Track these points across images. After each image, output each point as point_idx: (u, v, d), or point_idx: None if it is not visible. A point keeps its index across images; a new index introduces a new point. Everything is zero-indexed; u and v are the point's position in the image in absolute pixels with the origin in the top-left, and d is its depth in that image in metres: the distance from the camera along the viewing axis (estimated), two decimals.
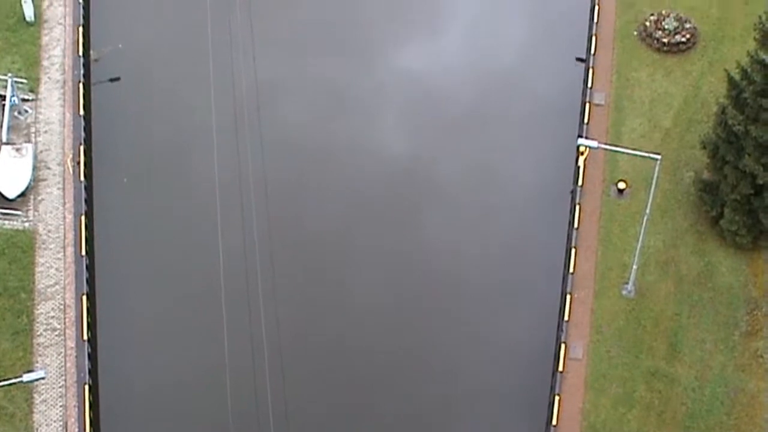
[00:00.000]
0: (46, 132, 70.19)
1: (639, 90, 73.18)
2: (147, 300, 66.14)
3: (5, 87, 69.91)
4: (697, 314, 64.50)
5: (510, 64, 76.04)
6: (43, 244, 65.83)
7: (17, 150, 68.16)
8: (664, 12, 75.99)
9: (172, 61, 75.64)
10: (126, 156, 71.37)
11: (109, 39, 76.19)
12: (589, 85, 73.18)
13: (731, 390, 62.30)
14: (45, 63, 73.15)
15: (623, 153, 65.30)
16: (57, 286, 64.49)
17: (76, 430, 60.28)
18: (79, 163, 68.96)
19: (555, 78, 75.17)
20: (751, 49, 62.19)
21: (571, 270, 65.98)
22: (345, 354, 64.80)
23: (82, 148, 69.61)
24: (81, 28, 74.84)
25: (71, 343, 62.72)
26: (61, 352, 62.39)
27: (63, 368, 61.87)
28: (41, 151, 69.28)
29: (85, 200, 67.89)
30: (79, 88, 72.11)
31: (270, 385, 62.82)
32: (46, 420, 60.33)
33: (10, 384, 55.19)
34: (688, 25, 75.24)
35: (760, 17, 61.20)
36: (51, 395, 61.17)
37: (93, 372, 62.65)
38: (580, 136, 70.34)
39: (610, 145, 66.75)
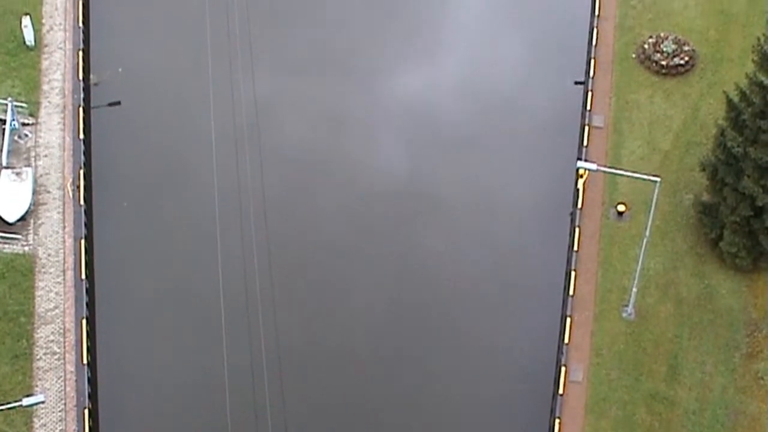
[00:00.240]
0: (46, 156, 70.28)
1: (638, 112, 73.28)
2: (147, 324, 66.07)
3: (5, 111, 70.02)
4: (697, 336, 64.43)
5: (509, 87, 76.13)
6: (43, 268, 65.83)
7: (17, 174, 68.23)
8: (662, 34, 76.16)
9: (171, 85, 75.76)
10: (126, 180, 71.39)
11: (109, 63, 76.32)
12: (588, 107, 73.29)
13: (732, 412, 62.16)
14: (45, 87, 73.31)
15: (623, 175, 65.31)
16: (57, 310, 64.45)
17: None
18: (78, 187, 69.01)
19: (554, 101, 75.28)
20: (750, 71, 62.34)
21: (570, 292, 65.95)
22: (344, 369, 64.69)
23: (81, 172, 69.68)
24: (81, 53, 75.02)
25: (71, 367, 62.65)
26: (60, 376, 62.30)
27: (63, 392, 61.77)
28: (41, 175, 69.34)
29: (85, 224, 67.92)
30: (79, 112, 72.23)
31: (270, 408, 62.71)
32: None
33: (10, 408, 55.09)
34: (686, 48, 75.41)
35: (758, 39, 61.34)
36: (50, 419, 61.03)
37: (93, 396, 62.54)
38: (579, 158, 70.38)
39: (609, 167, 66.84)
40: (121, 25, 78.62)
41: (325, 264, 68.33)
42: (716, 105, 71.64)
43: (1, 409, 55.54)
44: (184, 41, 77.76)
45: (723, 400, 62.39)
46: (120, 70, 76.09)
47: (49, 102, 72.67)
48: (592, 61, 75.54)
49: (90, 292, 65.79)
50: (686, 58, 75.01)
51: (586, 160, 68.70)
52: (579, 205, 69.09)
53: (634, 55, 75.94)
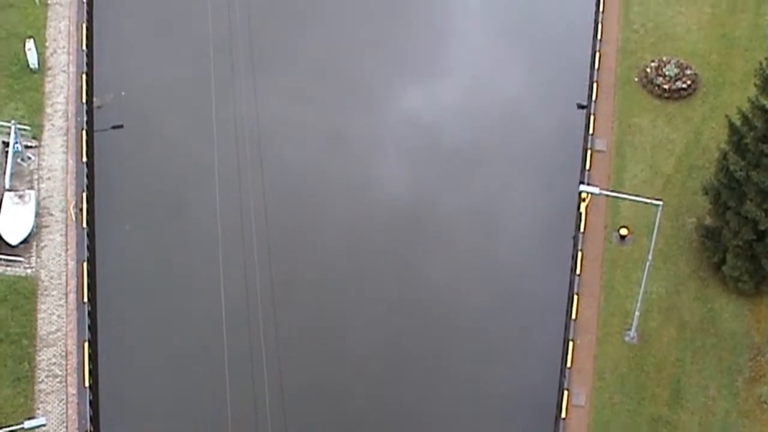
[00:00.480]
0: (48, 179, 70.36)
1: (640, 136, 73.33)
2: (148, 347, 65.99)
3: (9, 134, 70.15)
4: (700, 360, 64.28)
5: (512, 110, 76.25)
6: (45, 290, 65.82)
7: (20, 197, 68.29)
8: (664, 58, 76.29)
9: (174, 108, 75.91)
10: (128, 203, 71.46)
11: (112, 86, 76.50)
12: (591, 131, 73.36)
13: None
14: (48, 110, 73.45)
15: (625, 199, 65.31)
16: (59, 333, 64.39)
17: None
18: (81, 209, 69.07)
19: (557, 124, 75.37)
20: (752, 94, 62.39)
21: (573, 316, 65.86)
22: (345, 399, 64.55)
23: (84, 194, 69.77)
24: (84, 76, 75.22)
25: (73, 390, 62.54)
26: (62, 399, 62.19)
27: (64, 415, 61.64)
28: (44, 198, 69.41)
29: (87, 247, 67.93)
30: (82, 135, 72.36)
31: None
32: None
33: (11, 431, 54.95)
34: (688, 72, 75.52)
35: (760, 63, 61.39)
36: None
37: (94, 419, 62.41)
38: (581, 182, 70.40)
39: (611, 191, 66.88)
40: (124, 48, 78.86)
41: (328, 286, 68.32)
42: (718, 129, 71.68)
43: None
44: (187, 64, 77.96)
45: (726, 424, 62.19)
46: (123, 93, 76.24)
47: (52, 125, 72.80)
48: (595, 85, 75.67)
49: (92, 314, 65.75)
50: (688, 82, 75.13)
51: (588, 184, 68.69)
52: (581, 229, 69.06)
53: (636, 79, 76.06)
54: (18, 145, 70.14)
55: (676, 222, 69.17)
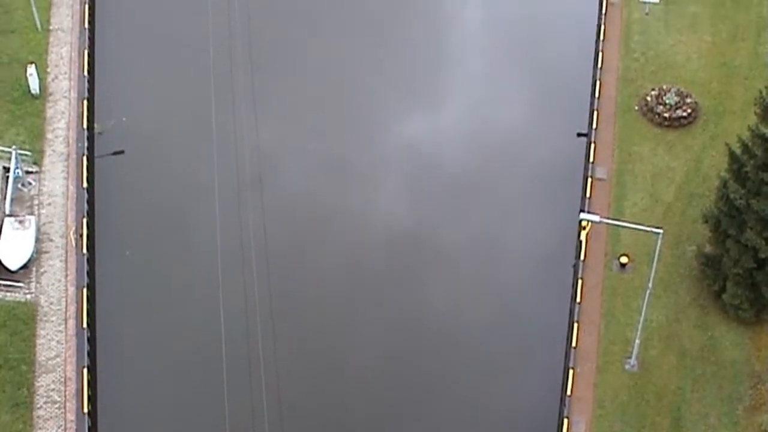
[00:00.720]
0: (49, 204, 70.37)
1: (641, 164, 73.41)
2: (148, 373, 65.83)
3: (9, 159, 70.23)
4: (700, 388, 64.14)
5: (512, 138, 76.36)
6: (45, 316, 65.73)
7: (20, 222, 68.29)
8: (664, 87, 76.46)
9: (175, 134, 76.05)
10: (128, 229, 71.45)
11: (114, 112, 76.62)
12: (591, 159, 73.45)
13: None
14: (49, 136, 73.56)
15: (625, 227, 65.26)
16: (58, 359, 64.26)
17: None
18: (81, 235, 69.06)
19: (557, 152, 75.45)
20: (752, 123, 62.49)
21: (573, 344, 65.75)
22: (344, 417, 64.45)
23: (84, 220, 69.76)
24: (86, 102, 75.36)
25: (71, 416, 62.35)
26: (61, 425, 61.99)
27: None
28: (44, 224, 69.41)
29: (87, 273, 67.88)
30: (82, 161, 72.43)
31: None
32: None
33: None
34: (689, 100, 75.67)
35: (760, 92, 61.49)
36: None
37: None
38: (582, 210, 70.38)
39: (612, 219, 66.91)
40: (125, 74, 79.06)
41: (327, 313, 68.20)
42: (718, 157, 71.76)
43: None
44: (188, 91, 78.12)
45: None
46: (124, 119, 76.36)
47: (53, 150, 72.89)
48: (595, 113, 75.82)
49: (91, 341, 65.63)
50: (688, 111, 75.26)
51: (588, 212, 68.59)
52: (582, 257, 69.04)
53: (636, 107, 76.20)
54: (19, 171, 70.21)
55: (676, 250, 69.16)
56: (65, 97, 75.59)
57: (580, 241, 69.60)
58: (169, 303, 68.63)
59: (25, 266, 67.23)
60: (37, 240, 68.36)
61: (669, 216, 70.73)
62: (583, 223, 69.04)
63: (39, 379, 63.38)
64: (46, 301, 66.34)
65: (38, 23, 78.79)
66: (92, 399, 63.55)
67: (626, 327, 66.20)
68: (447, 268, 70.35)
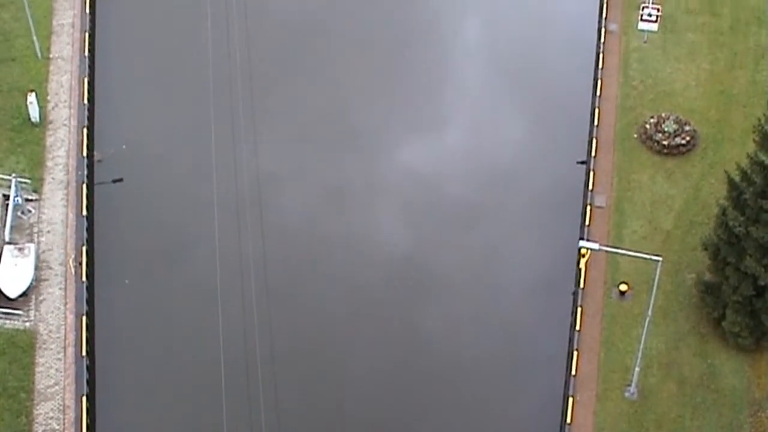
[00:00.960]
0: (48, 232, 70.39)
1: (640, 192, 73.47)
2: (147, 401, 65.73)
3: (9, 187, 70.29)
4: (700, 416, 64.00)
5: (511, 166, 76.41)
6: (44, 344, 65.65)
7: (20, 249, 68.31)
8: (663, 115, 76.59)
9: (174, 162, 76.09)
10: (128, 257, 71.43)
11: (113, 140, 76.71)
12: (590, 187, 73.52)
13: None
14: (49, 163, 73.64)
15: (624, 255, 65.23)
16: (57, 387, 64.14)
17: None
18: (80, 263, 69.05)
19: (556, 180, 75.48)
20: (751, 150, 62.55)
21: (573, 372, 65.66)
22: None
23: (84, 248, 69.76)
24: (85, 130, 75.46)
25: None
26: None
27: None
28: (43, 251, 69.41)
29: (87, 301, 67.83)
30: (82, 188, 72.48)
31: None
32: None
33: None
34: (687, 128, 75.80)
35: (759, 119, 61.62)
36: None
37: None
38: (581, 238, 70.42)
39: (611, 247, 66.81)
40: (125, 103, 79.16)
41: (327, 339, 68.17)
42: (718, 185, 71.82)
43: None
44: (188, 119, 78.22)
45: None
46: (124, 147, 76.45)
47: (52, 178, 72.96)
48: (594, 141, 75.92)
49: (90, 369, 65.53)
50: (687, 138, 75.38)
51: (588, 240, 68.71)
52: (581, 285, 69.02)
53: (635, 135, 76.33)
54: (18, 198, 70.28)
55: (675, 278, 69.14)
56: (65, 125, 75.72)
57: (580, 269, 69.59)
58: (168, 331, 68.55)
59: (24, 294, 67.19)
60: (37, 268, 68.35)
61: (668, 244, 70.74)
62: (583, 251, 69.07)
63: (38, 407, 63.25)
64: (45, 329, 66.27)
65: (38, 51, 79.01)
66: (91, 427, 63.42)
67: (626, 355, 66.14)
68: (446, 295, 70.30)
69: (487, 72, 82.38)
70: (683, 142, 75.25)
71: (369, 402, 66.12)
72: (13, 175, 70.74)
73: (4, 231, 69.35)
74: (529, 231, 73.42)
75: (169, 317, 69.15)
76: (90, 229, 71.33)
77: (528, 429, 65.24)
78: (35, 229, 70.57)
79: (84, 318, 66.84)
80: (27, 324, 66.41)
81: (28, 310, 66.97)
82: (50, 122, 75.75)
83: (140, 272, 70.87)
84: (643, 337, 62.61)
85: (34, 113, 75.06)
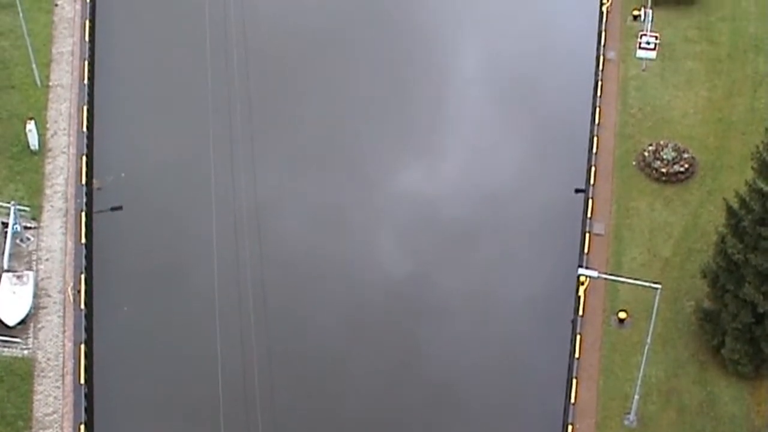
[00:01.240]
0: (47, 260, 70.35)
1: (638, 220, 73.49)
2: (145, 430, 65.55)
3: (8, 215, 70.29)
4: None
5: (510, 194, 76.43)
6: (42, 372, 65.52)
7: (18, 277, 68.26)
8: (662, 142, 76.69)
9: (173, 190, 76.13)
10: (126, 285, 71.38)
11: (112, 168, 76.74)
12: (589, 215, 73.55)
13: None
14: (48, 191, 73.66)
15: (623, 282, 65.23)
16: (55, 415, 63.99)
17: None
18: (79, 291, 68.99)
19: (555, 208, 75.52)
20: (749, 178, 62.64)
21: (572, 400, 65.54)
22: None
23: (83, 276, 69.70)
24: (84, 158, 75.50)
25: None
26: None
27: None
28: (42, 279, 69.35)
29: (85, 329, 67.75)
30: (81, 216, 72.47)
31: None
32: None
33: None
34: (686, 155, 75.89)
35: (757, 147, 61.73)
36: None
37: None
38: (580, 265, 70.38)
39: (610, 274, 66.76)
40: (124, 131, 79.23)
41: (325, 365, 68.07)
42: (716, 212, 71.84)
43: None
44: (187, 146, 78.32)
45: None
46: (123, 175, 76.49)
47: (51, 206, 72.97)
48: (593, 169, 75.99)
49: (89, 397, 65.42)
50: (686, 166, 75.46)
51: (587, 267, 68.65)
52: (580, 312, 68.97)
53: (634, 163, 76.41)
54: (17, 226, 70.28)
55: (674, 305, 69.09)
56: (64, 152, 75.78)
57: (579, 297, 69.57)
58: (166, 359, 68.44)
59: (22, 322, 67.12)
60: (35, 295, 68.29)
61: (667, 271, 70.71)
62: (582, 279, 69.07)
63: None
64: (43, 356, 66.17)
65: (38, 79, 79.16)
66: None
67: (625, 382, 66.02)
68: (445, 323, 70.21)
69: (485, 98, 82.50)
70: (682, 169, 75.32)
71: (368, 426, 65.92)
72: (12, 202, 70.75)
73: (2, 259, 69.32)
74: (528, 258, 73.41)
75: (167, 345, 69.06)
76: (89, 257, 71.30)
77: None
78: (34, 257, 70.53)
79: (82, 346, 66.75)
80: (25, 352, 66.30)
81: (27, 338, 66.87)
82: (49, 150, 75.81)
83: (139, 300, 70.79)
84: (643, 364, 62.53)
85: (33, 141, 75.15)
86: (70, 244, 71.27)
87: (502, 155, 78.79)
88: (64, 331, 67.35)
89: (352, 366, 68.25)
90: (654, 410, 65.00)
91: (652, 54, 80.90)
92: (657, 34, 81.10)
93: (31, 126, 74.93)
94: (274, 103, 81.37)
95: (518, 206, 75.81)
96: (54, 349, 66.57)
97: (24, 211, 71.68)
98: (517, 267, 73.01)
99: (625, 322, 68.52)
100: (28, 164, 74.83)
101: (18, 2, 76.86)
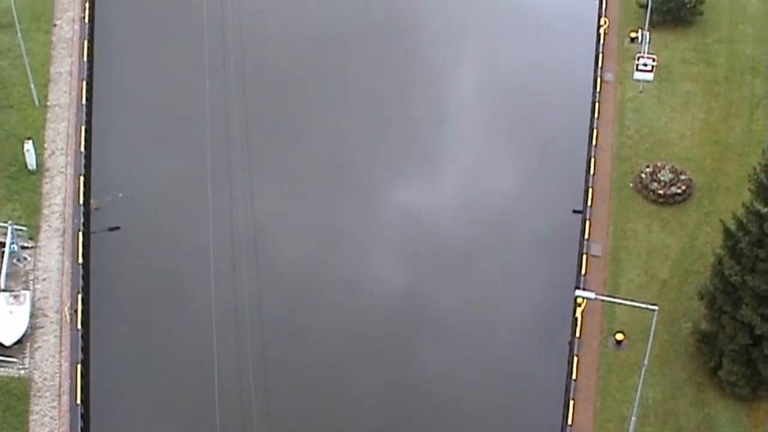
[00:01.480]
0: (44, 280, 70.30)
1: (636, 241, 73.50)
2: None
3: (5, 234, 70.25)
4: None
5: (508, 216, 76.44)
6: (39, 392, 65.40)
7: (15, 297, 68.20)
8: (659, 164, 76.78)
9: (171, 210, 76.14)
10: (123, 305, 71.30)
11: (110, 188, 76.73)
12: (586, 236, 73.55)
13: None
14: (45, 211, 73.65)
15: (621, 304, 65.19)
16: None
17: None
18: (76, 311, 68.91)
19: (552, 229, 75.50)
20: (746, 199, 62.71)
21: (569, 422, 65.44)
22: None
23: (79, 296, 69.63)
24: (82, 178, 75.50)
25: None
26: None
27: None
28: (39, 299, 69.29)
29: (82, 349, 67.64)
30: (78, 236, 72.43)
31: None
32: None
33: None
34: (683, 177, 75.96)
35: (754, 168, 61.81)
36: None
37: None
38: (577, 287, 70.35)
39: (607, 296, 66.76)
40: (122, 151, 79.26)
41: (322, 385, 68.03)
42: (713, 234, 71.85)
43: None
44: (185, 167, 78.32)
45: None
46: (120, 195, 76.48)
47: (49, 226, 72.95)
48: (590, 190, 76.03)
49: (85, 417, 65.27)
50: (683, 187, 75.54)
51: (584, 289, 68.62)
52: (577, 334, 68.91)
53: (631, 185, 76.48)
54: (14, 246, 70.29)
55: (672, 327, 69.05)
56: (62, 172, 75.80)
57: (576, 318, 69.52)
58: (163, 379, 68.35)
59: (19, 341, 67.04)
60: (32, 315, 68.21)
61: (664, 293, 70.69)
62: (579, 300, 69.03)
63: None
64: (40, 376, 66.05)
65: (36, 99, 79.27)
66: None
67: (622, 404, 65.93)
68: (442, 343, 70.14)
69: (484, 119, 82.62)
70: (679, 191, 75.40)
71: None
72: (10, 222, 70.74)
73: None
74: (525, 280, 73.38)
75: (164, 365, 68.95)
76: (86, 277, 71.22)
77: None
78: (31, 277, 70.48)
79: (79, 366, 66.64)
80: (22, 372, 66.20)
81: (23, 358, 66.77)
82: (47, 170, 75.84)
83: (135, 320, 70.71)
84: (640, 386, 62.47)
85: (30, 161, 75.18)
86: (68, 264, 71.22)
87: (500, 176, 78.86)
88: (61, 351, 67.26)
89: (348, 384, 68.15)
90: None
91: (650, 76, 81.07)
92: (654, 56, 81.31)
93: (28, 146, 74.99)
94: (272, 124, 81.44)
95: (516, 227, 75.82)
96: (50, 369, 66.47)
97: (21, 230, 71.67)
98: (515, 288, 72.98)
99: (622, 343, 68.47)
100: (26, 184, 74.84)
101: (17, 22, 77.04)
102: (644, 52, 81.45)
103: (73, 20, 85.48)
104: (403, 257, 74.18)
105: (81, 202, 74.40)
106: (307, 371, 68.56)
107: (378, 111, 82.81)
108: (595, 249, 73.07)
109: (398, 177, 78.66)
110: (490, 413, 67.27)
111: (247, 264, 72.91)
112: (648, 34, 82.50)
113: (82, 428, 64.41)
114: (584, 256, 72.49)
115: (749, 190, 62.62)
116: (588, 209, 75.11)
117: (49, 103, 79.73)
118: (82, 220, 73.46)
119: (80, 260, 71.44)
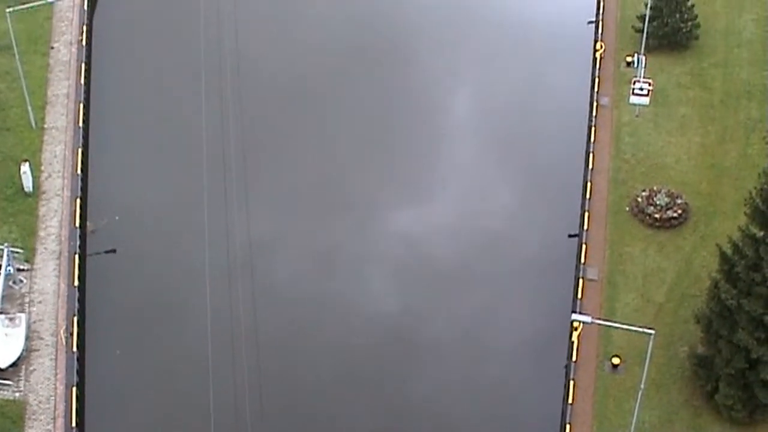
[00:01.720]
0: (40, 302, 70.22)
1: (632, 265, 73.52)
2: None
3: (1, 257, 70.20)
4: None
5: (504, 240, 76.47)
6: (33, 414, 65.24)
7: (10, 320, 68.11)
8: (655, 188, 76.88)
9: (167, 234, 76.12)
10: (119, 328, 71.20)
11: (106, 211, 76.75)
12: (582, 260, 73.55)
13: None
14: (41, 234, 73.63)
15: (617, 328, 65.14)
16: None
17: None
18: (72, 334, 68.82)
19: (548, 253, 75.53)
20: (742, 223, 62.75)
21: None
22: None
23: (75, 319, 69.54)
24: (78, 200, 75.52)
25: None
26: None
27: None
28: (35, 322, 69.19)
29: (77, 372, 67.50)
30: (74, 259, 72.38)
31: None
32: None
33: None
34: (679, 201, 76.05)
35: (750, 192, 61.87)
36: None
37: None
38: (573, 311, 70.31)
39: (603, 320, 66.70)
40: (118, 174, 79.32)
41: (317, 406, 67.86)
42: (709, 257, 71.89)
43: None
44: (181, 190, 78.41)
45: None
46: (117, 218, 76.48)
47: (45, 248, 72.91)
48: (586, 214, 76.08)
49: None
50: (679, 211, 75.62)
51: (580, 313, 68.59)
52: (574, 358, 68.82)
53: (627, 208, 76.55)
54: (10, 268, 70.22)
55: (668, 351, 68.99)
56: (58, 195, 75.83)
57: (572, 342, 69.44)
58: (159, 402, 68.21)
59: (14, 364, 66.91)
60: (28, 338, 68.11)
61: (661, 317, 70.68)
62: (575, 324, 68.94)
63: None
64: (35, 399, 65.91)
65: (33, 122, 79.38)
66: None
67: (618, 428, 65.81)
68: (438, 367, 70.04)
69: (479, 143, 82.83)
70: (675, 215, 75.48)
71: None
72: (6, 244, 70.73)
73: None
74: (521, 303, 73.36)
75: (160, 388, 68.84)
76: (81, 300, 71.18)
77: None
78: (27, 299, 70.41)
79: (74, 389, 66.49)
80: (17, 394, 66.06)
81: (19, 381, 66.64)
82: (43, 192, 75.87)
83: (131, 343, 70.60)
84: (636, 410, 62.40)
85: (27, 183, 75.21)
86: (63, 287, 71.17)
87: (496, 200, 78.94)
88: (56, 374, 67.13)
89: (343, 405, 68.04)
90: None
91: (646, 100, 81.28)
92: (650, 80, 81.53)
93: (25, 168, 75.03)
94: (269, 146, 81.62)
95: (512, 251, 75.85)
96: (46, 391, 66.34)
97: (17, 253, 71.64)
98: (511, 312, 72.94)
99: (618, 367, 68.40)
100: (22, 206, 74.86)
101: (14, 44, 77.19)
102: (640, 77, 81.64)
103: (71, 43, 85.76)
104: (398, 279, 74.20)
105: (77, 224, 74.40)
106: (303, 395, 68.40)
107: (374, 135, 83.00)
108: (592, 273, 73.08)
109: (394, 199, 78.76)
110: None
111: (243, 287, 72.82)
112: (644, 58, 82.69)
113: None
114: (580, 280, 72.49)
115: (745, 214, 62.66)
116: (584, 233, 75.15)
117: (45, 126, 79.85)
118: (78, 242, 73.43)
119: (76, 283, 71.38)
